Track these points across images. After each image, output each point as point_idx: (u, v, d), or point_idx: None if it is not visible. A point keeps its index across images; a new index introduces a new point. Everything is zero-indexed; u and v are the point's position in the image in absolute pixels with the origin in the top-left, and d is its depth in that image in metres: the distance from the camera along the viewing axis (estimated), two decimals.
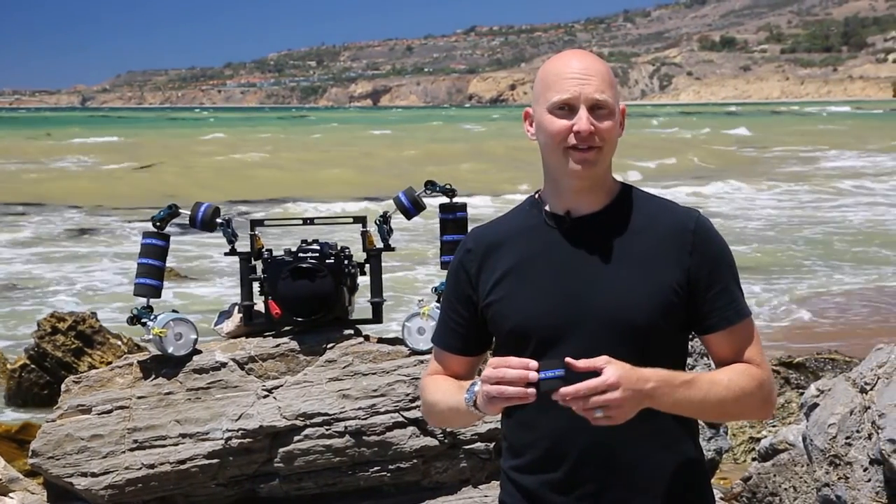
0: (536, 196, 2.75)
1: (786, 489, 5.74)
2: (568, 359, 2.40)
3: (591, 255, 2.61)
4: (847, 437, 4.79)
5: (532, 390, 2.40)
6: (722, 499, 6.15)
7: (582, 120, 2.57)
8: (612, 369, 2.40)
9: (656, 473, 2.62)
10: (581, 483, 2.61)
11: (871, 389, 4.79)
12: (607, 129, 2.59)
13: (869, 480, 4.67)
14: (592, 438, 2.53)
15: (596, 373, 2.39)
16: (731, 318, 2.63)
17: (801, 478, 5.65)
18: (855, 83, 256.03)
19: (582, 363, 2.40)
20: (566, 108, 2.59)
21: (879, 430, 4.58)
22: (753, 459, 6.75)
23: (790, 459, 5.76)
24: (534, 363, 2.41)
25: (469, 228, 4.22)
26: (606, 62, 2.70)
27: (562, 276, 2.61)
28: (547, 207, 2.69)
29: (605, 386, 2.37)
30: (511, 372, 2.42)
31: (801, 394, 6.31)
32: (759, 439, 7.17)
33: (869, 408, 4.75)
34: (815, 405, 5.07)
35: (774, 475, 5.81)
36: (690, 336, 2.74)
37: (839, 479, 4.78)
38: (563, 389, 2.38)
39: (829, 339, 11.55)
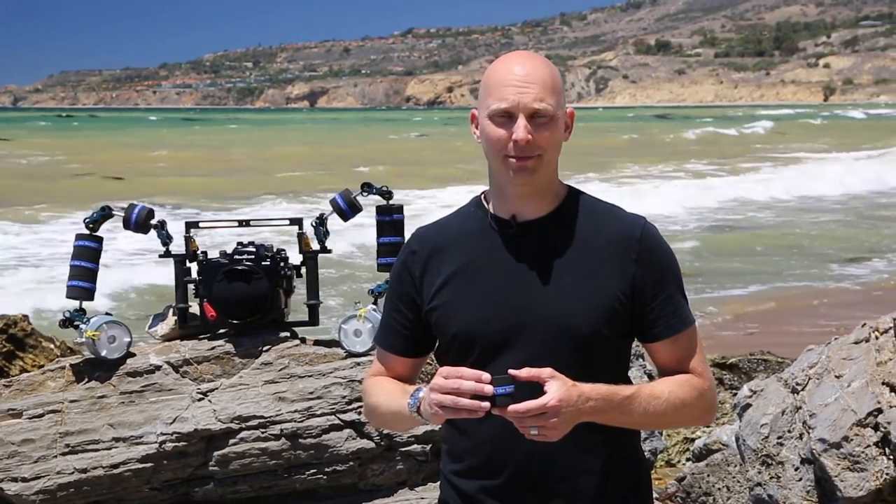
0: (482, 197, 2.73)
1: (719, 489, 5.79)
2: (511, 371, 2.39)
3: (535, 262, 2.60)
4: (779, 437, 4.85)
5: (486, 404, 2.38)
6: (657, 499, 6.19)
7: (520, 129, 2.55)
8: (555, 388, 2.39)
9: (597, 480, 2.62)
10: (522, 492, 2.61)
11: (803, 390, 4.85)
12: (545, 138, 2.57)
13: (800, 480, 4.72)
14: (531, 447, 2.51)
15: (540, 385, 2.39)
16: (676, 326, 2.64)
17: (734, 477, 5.71)
18: (787, 87, 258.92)
19: (525, 373, 2.39)
20: (506, 116, 2.57)
21: (810, 430, 4.63)
22: (688, 460, 6.81)
23: (723, 459, 5.81)
24: (486, 376, 2.40)
25: (405, 230, 4.19)
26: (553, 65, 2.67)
27: (506, 282, 2.60)
28: (492, 210, 2.68)
29: (546, 409, 2.38)
30: (466, 384, 2.40)
31: (735, 394, 6.36)
32: (693, 440, 7.23)
33: (800, 408, 4.80)
34: (748, 405, 5.12)
35: (708, 475, 5.86)
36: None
37: (771, 478, 4.83)
38: (512, 408, 2.37)
39: (761, 340, 11.67)
